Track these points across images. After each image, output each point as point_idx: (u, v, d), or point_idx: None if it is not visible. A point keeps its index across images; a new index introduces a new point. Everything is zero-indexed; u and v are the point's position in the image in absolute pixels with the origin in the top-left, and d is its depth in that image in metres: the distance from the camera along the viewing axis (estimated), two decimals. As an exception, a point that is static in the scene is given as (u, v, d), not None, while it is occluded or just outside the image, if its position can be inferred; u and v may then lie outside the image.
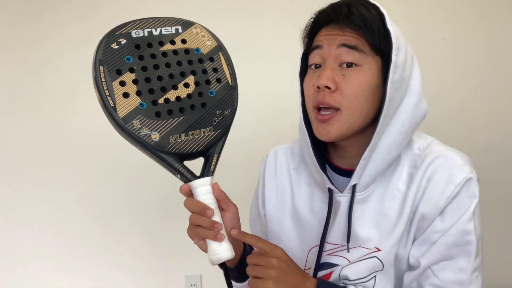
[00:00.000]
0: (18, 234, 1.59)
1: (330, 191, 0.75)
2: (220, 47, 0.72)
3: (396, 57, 0.67)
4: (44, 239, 1.58)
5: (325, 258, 0.76)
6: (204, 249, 0.66)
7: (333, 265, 0.75)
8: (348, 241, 0.73)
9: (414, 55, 0.74)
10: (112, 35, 0.64)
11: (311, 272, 0.78)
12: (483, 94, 1.46)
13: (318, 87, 0.68)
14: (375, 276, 0.72)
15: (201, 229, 0.64)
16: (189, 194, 0.65)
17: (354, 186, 0.73)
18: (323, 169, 0.75)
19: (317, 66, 0.71)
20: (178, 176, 0.65)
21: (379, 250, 0.72)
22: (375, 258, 0.72)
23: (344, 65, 0.68)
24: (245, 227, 0.91)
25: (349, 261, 0.74)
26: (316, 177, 0.78)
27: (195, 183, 0.64)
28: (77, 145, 1.55)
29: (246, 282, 0.78)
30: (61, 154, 1.56)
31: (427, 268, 0.69)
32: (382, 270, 0.72)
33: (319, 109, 0.70)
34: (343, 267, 0.74)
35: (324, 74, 0.67)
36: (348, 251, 0.74)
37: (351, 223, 0.73)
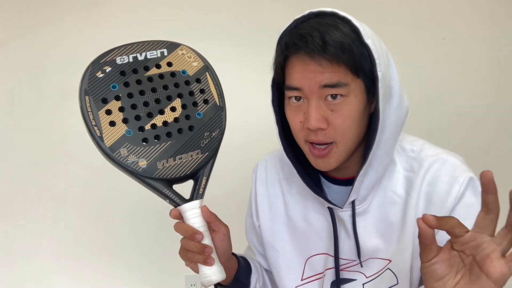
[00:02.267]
0: (17, 234, 1.58)
1: (331, 209, 0.74)
2: (207, 67, 0.72)
3: (380, 72, 0.62)
4: (44, 239, 1.57)
5: (340, 274, 0.75)
6: (196, 270, 0.66)
7: (350, 280, 0.75)
8: (359, 256, 0.73)
9: (387, 49, 0.68)
10: (96, 64, 0.65)
11: (314, 283, 0.78)
12: (483, 94, 1.45)
13: (309, 128, 0.64)
14: None
15: (191, 253, 0.64)
16: (179, 218, 0.66)
17: (353, 201, 0.72)
18: (314, 182, 0.74)
19: (298, 98, 0.66)
20: (167, 200, 0.66)
21: (390, 261, 0.72)
22: (388, 271, 0.72)
23: (329, 98, 0.63)
24: (241, 237, 0.92)
25: (366, 276, 0.74)
26: (303, 187, 0.76)
27: (184, 207, 0.65)
28: (77, 145, 1.54)
29: None
30: (61, 154, 1.55)
31: None
32: (398, 284, 0.71)
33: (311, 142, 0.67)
34: (363, 284, 0.74)
35: (313, 115, 0.63)
36: (361, 266, 0.73)
37: (358, 237, 0.72)
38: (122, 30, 1.53)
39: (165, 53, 0.70)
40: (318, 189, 0.72)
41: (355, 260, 0.74)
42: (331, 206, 0.73)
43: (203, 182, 0.68)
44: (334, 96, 0.63)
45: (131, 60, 0.67)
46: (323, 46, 0.60)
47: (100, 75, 0.64)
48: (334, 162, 0.67)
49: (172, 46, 0.71)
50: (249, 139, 1.48)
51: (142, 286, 1.59)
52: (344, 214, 0.73)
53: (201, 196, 0.67)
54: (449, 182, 0.68)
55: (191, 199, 0.67)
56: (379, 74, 0.62)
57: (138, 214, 1.57)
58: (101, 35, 1.54)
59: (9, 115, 1.56)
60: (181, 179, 0.67)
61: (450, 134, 1.45)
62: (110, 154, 0.62)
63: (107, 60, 0.66)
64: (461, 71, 1.45)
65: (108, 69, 0.65)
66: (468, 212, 0.67)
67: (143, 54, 0.68)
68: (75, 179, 1.56)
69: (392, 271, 0.71)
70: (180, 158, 0.67)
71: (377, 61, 0.62)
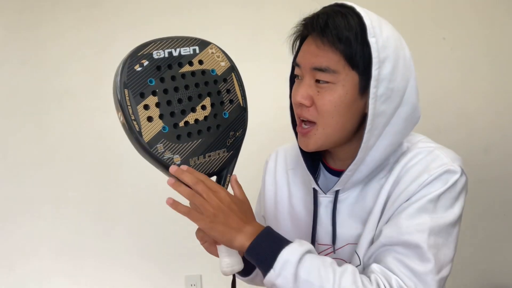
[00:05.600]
0: (18, 234, 1.59)
1: (315, 192, 0.78)
2: (232, 68, 0.75)
3: (379, 70, 0.65)
4: (44, 239, 1.59)
5: None
6: (211, 251, 0.71)
7: None
8: (333, 242, 0.76)
9: (411, 60, 0.71)
10: (134, 56, 0.64)
11: None
12: (482, 94, 1.45)
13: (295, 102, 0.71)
14: None
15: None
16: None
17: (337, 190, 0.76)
18: (314, 169, 0.79)
19: (299, 77, 0.73)
20: None
21: (356, 244, 0.74)
22: (355, 254, 0.74)
23: (320, 81, 0.69)
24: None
25: (344, 261, 0.76)
26: (306, 177, 0.81)
27: None
28: (77, 145, 1.54)
29: (250, 276, 0.85)
30: (61, 154, 1.55)
31: (386, 244, 0.67)
32: (360, 265, 0.73)
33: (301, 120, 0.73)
34: None
35: (300, 91, 0.70)
36: (334, 253, 0.77)
37: (336, 224, 0.76)
38: (121, 30, 1.53)
39: (197, 51, 0.71)
40: (313, 171, 0.78)
41: (331, 246, 0.77)
42: (316, 188, 0.78)
43: (228, 179, 0.72)
44: (323, 81, 0.68)
45: (166, 55, 0.67)
46: (323, 29, 0.66)
47: (138, 68, 0.64)
48: (313, 144, 0.72)
49: (203, 44, 0.72)
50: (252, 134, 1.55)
51: (142, 286, 1.60)
52: (324, 200, 0.78)
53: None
54: (421, 170, 0.69)
55: None
56: (374, 72, 0.65)
57: (138, 215, 1.57)
58: (100, 36, 1.54)
59: (9, 115, 1.56)
60: (208, 176, 0.70)
61: (450, 134, 1.45)
62: (148, 149, 0.63)
63: (145, 53, 0.65)
64: (461, 71, 1.45)
65: (145, 62, 0.65)
66: (421, 194, 0.66)
67: (177, 50, 0.69)
68: (75, 179, 1.56)
69: (357, 254, 0.74)
70: (209, 156, 0.70)
71: (374, 60, 0.64)
